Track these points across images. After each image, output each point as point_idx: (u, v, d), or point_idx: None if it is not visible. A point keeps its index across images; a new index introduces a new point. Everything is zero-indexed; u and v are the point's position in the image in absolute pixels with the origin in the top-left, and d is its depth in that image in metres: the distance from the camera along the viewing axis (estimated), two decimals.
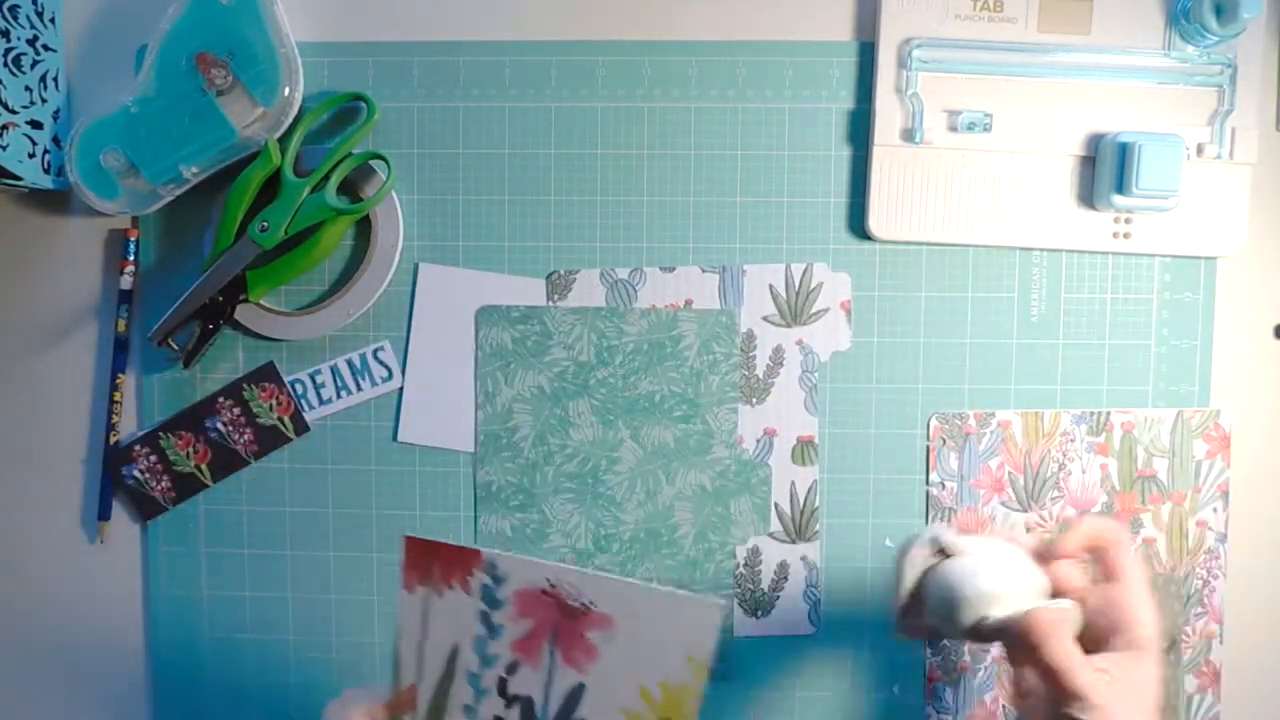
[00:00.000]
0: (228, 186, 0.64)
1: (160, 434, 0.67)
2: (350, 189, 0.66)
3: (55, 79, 0.65)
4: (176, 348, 0.65)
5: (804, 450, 0.66)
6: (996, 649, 0.66)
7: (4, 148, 0.61)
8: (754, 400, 0.66)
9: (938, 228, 0.65)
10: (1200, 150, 0.64)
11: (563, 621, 0.50)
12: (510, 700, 0.51)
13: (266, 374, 0.67)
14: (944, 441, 0.66)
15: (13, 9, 0.62)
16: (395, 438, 0.67)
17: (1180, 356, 0.66)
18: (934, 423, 0.66)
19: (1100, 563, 0.53)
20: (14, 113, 0.62)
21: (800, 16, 0.65)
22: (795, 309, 0.66)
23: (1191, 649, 0.66)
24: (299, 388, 0.67)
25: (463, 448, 0.67)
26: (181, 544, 0.68)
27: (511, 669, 0.50)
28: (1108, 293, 0.66)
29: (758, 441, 0.66)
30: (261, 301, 0.66)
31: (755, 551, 0.67)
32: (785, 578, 0.66)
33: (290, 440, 0.67)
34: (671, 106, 0.65)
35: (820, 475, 0.66)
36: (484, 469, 0.67)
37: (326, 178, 0.64)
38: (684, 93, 0.65)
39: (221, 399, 0.67)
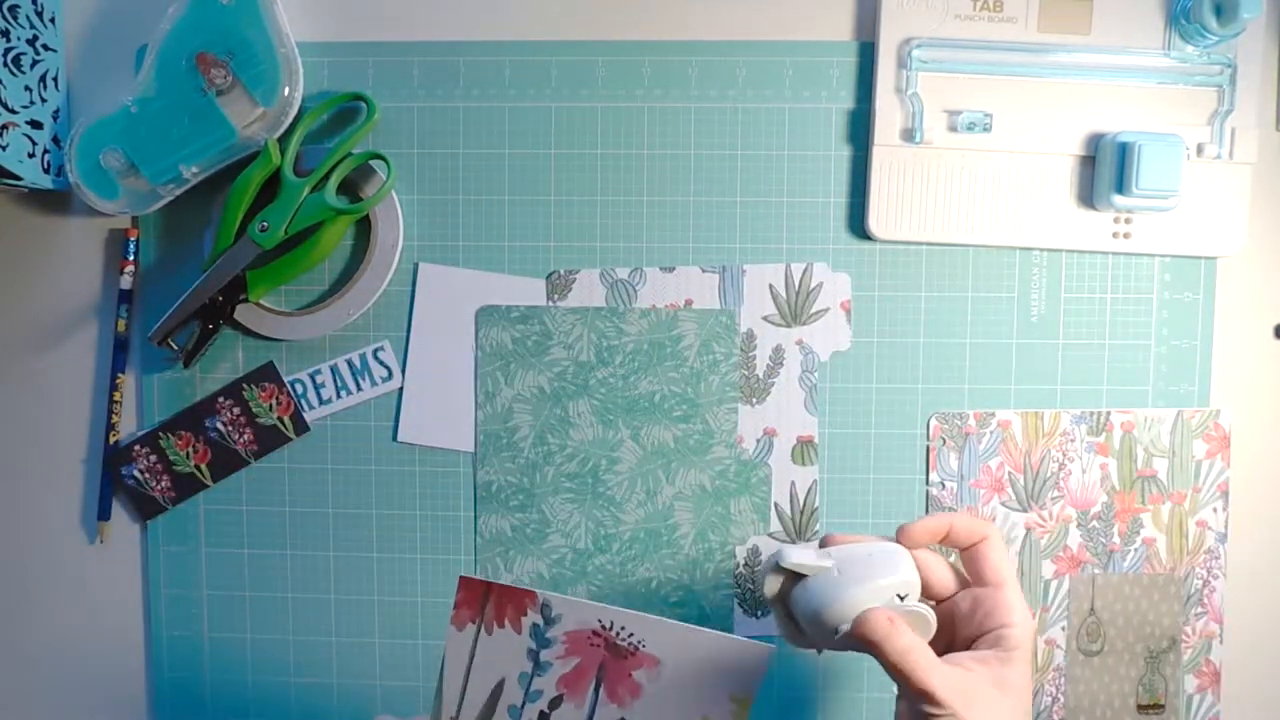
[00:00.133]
0: (228, 186, 0.64)
1: (160, 434, 0.67)
2: (350, 189, 0.66)
3: (55, 79, 0.65)
4: (176, 348, 0.65)
5: (804, 450, 0.66)
6: None
7: (4, 148, 0.61)
8: (754, 400, 0.66)
9: (938, 228, 0.65)
10: (1200, 150, 0.64)
11: (610, 660, 0.51)
12: None
13: (266, 374, 0.67)
14: (944, 441, 0.66)
15: (13, 9, 0.62)
16: (395, 438, 0.67)
17: (1180, 356, 0.66)
18: (934, 423, 0.66)
19: (969, 562, 0.52)
20: (14, 113, 0.62)
21: (800, 16, 0.65)
22: (795, 309, 0.66)
23: (1191, 649, 0.66)
24: (299, 388, 0.67)
25: (463, 448, 0.67)
26: (181, 544, 0.68)
27: (554, 704, 0.51)
28: (1108, 293, 0.66)
29: (758, 441, 0.66)
30: (261, 301, 0.66)
31: (755, 551, 0.67)
32: None
33: (290, 440, 0.67)
34: (671, 106, 0.65)
35: (820, 475, 0.66)
36: (484, 469, 0.67)
37: (326, 178, 0.64)
38: (684, 93, 0.65)
39: (221, 399, 0.67)
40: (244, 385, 0.67)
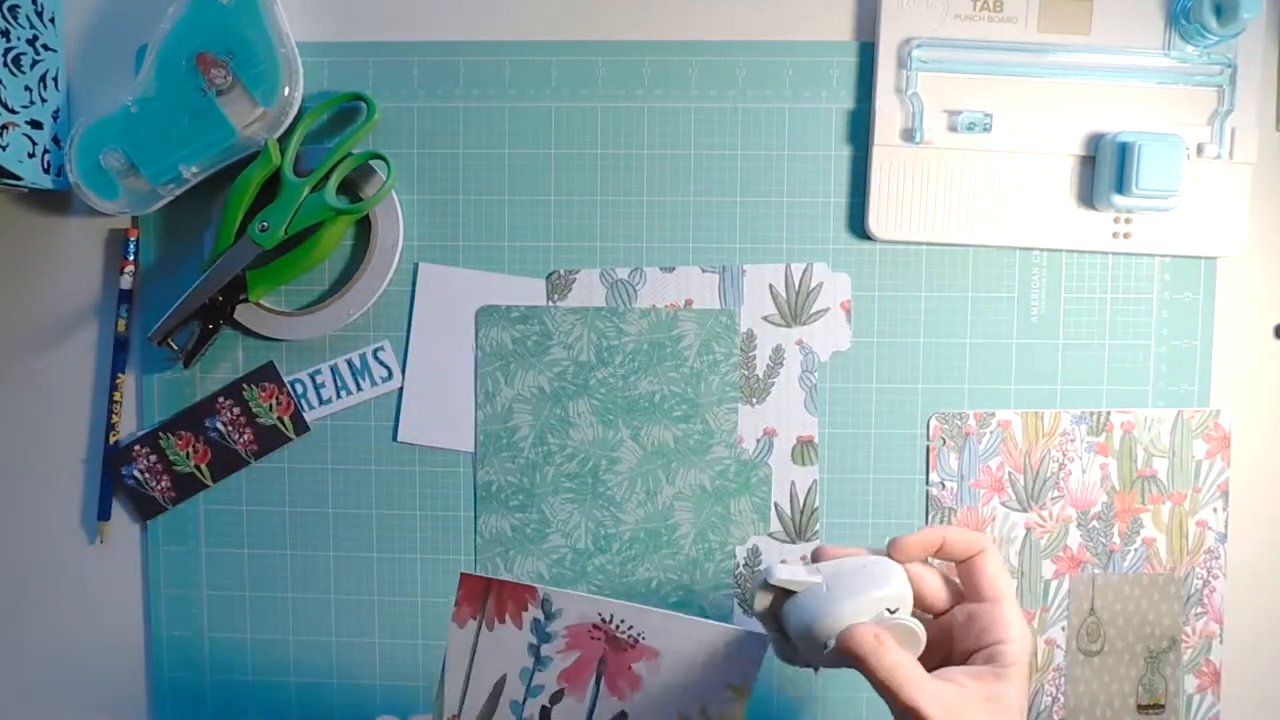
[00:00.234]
0: (228, 186, 0.64)
1: (160, 434, 0.67)
2: (350, 189, 0.66)
3: (55, 79, 0.65)
4: (176, 348, 0.65)
5: (804, 450, 0.66)
6: None
7: (4, 148, 0.61)
8: (754, 400, 0.66)
9: (938, 228, 0.65)
10: (1200, 150, 0.64)
11: (611, 654, 0.51)
12: None
13: (266, 374, 0.67)
14: (944, 441, 0.66)
15: (13, 9, 0.62)
16: (395, 438, 0.67)
17: (1180, 356, 0.66)
18: (934, 423, 0.66)
19: (965, 576, 0.51)
20: (14, 113, 0.62)
21: (800, 16, 0.65)
22: (795, 309, 0.66)
23: (1191, 649, 0.66)
24: (299, 388, 0.67)
25: (463, 448, 0.67)
26: (181, 544, 0.68)
27: (555, 698, 0.51)
28: (1108, 293, 0.66)
29: (758, 441, 0.66)
30: (261, 301, 0.66)
31: (755, 551, 0.67)
32: None
33: (290, 440, 0.67)
34: (671, 106, 0.65)
35: (820, 475, 0.66)
36: (484, 469, 0.67)
37: (326, 178, 0.64)
38: (684, 93, 0.65)
39: (221, 399, 0.67)
40: (244, 385, 0.67)
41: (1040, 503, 0.66)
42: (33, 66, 0.63)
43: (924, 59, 0.63)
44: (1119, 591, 0.66)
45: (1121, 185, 0.62)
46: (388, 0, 0.66)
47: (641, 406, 0.66)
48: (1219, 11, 0.61)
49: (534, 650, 0.51)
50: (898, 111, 0.64)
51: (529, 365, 0.66)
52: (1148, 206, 0.62)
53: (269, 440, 0.67)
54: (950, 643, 0.51)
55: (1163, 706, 0.67)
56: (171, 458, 0.67)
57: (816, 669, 0.51)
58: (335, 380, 0.67)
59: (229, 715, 0.68)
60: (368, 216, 0.65)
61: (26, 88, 0.63)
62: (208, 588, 0.68)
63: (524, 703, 0.51)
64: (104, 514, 0.68)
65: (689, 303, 0.66)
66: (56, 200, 0.67)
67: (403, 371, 0.67)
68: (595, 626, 0.51)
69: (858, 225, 0.65)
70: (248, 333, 0.67)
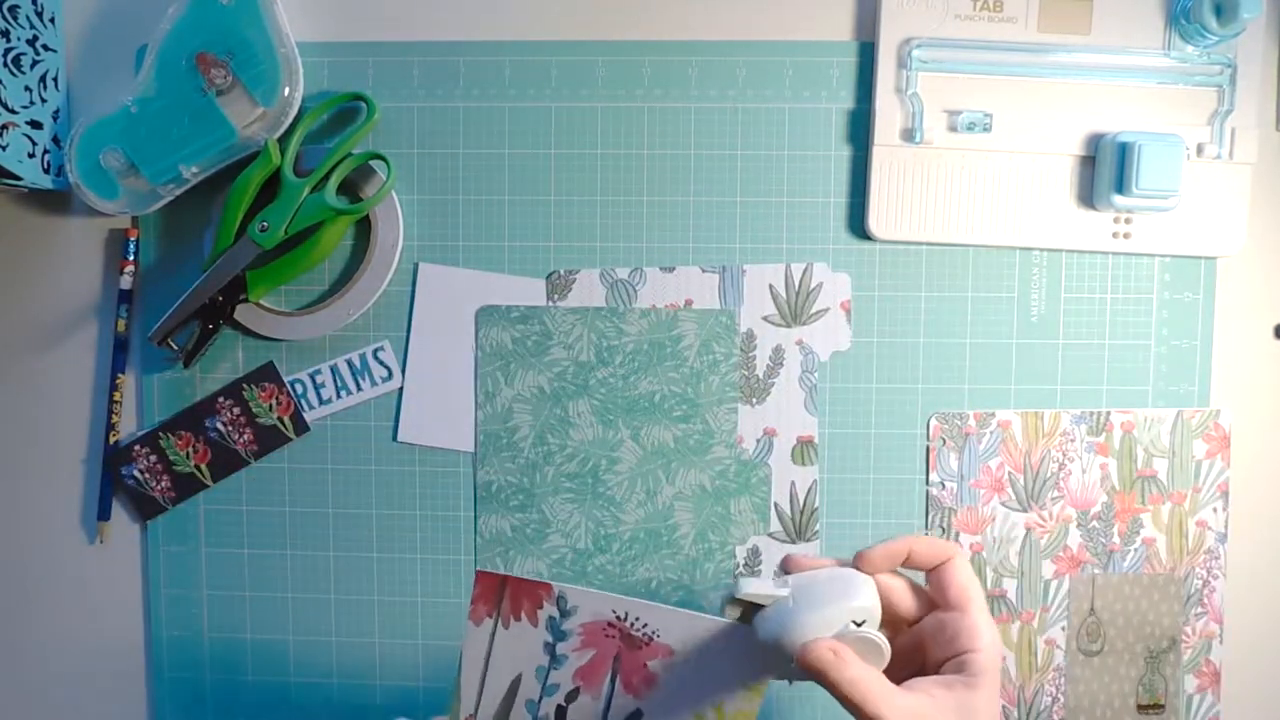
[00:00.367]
0: (228, 186, 0.64)
1: (160, 434, 0.67)
2: (350, 189, 0.66)
3: (55, 79, 0.65)
4: (176, 348, 0.65)
5: (804, 450, 0.66)
6: None
7: (4, 148, 0.61)
8: (754, 400, 0.66)
9: (938, 228, 0.65)
10: (1200, 150, 0.64)
11: (625, 652, 0.51)
12: None
13: (266, 374, 0.67)
14: (944, 441, 0.66)
15: (13, 9, 0.62)
16: (395, 438, 0.67)
17: (1180, 356, 0.66)
18: (934, 423, 0.66)
19: (934, 585, 0.51)
20: (14, 113, 0.62)
21: (800, 16, 0.65)
22: (795, 309, 0.66)
23: (1191, 649, 0.66)
24: (299, 388, 0.67)
25: (463, 448, 0.67)
26: (181, 544, 0.68)
27: (571, 697, 0.51)
28: (1108, 293, 0.66)
29: (758, 441, 0.66)
30: (261, 301, 0.66)
31: (755, 551, 0.67)
32: None
33: (290, 440, 0.67)
34: (671, 106, 0.65)
35: (820, 475, 0.66)
36: (484, 469, 0.67)
37: (326, 178, 0.64)
38: (684, 93, 0.65)
39: (221, 399, 0.67)
40: (244, 385, 0.67)
41: (1040, 503, 0.66)
42: (33, 66, 0.63)
43: (924, 59, 0.63)
44: (1119, 591, 0.66)
45: (1121, 185, 0.62)
46: (388, 0, 0.66)
47: (641, 406, 0.66)
48: (1219, 11, 0.61)
49: (549, 648, 0.51)
50: (898, 111, 0.64)
51: (529, 365, 0.66)
52: (1148, 206, 0.62)
53: (269, 440, 0.67)
54: (923, 652, 0.51)
55: (1163, 706, 0.67)
56: (171, 458, 0.67)
57: (791, 681, 0.51)
58: (335, 380, 0.67)
59: (229, 715, 0.68)
60: (368, 216, 0.65)
61: (26, 88, 0.63)
62: (208, 588, 0.68)
63: (539, 701, 0.51)
64: (104, 514, 0.68)
65: (689, 303, 0.66)
66: (56, 200, 0.67)
67: (403, 371, 0.67)
68: (610, 624, 0.51)
69: (858, 225, 0.65)
70: (248, 333, 0.67)
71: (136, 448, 0.67)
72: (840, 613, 0.48)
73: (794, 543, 0.66)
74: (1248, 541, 0.67)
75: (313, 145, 0.65)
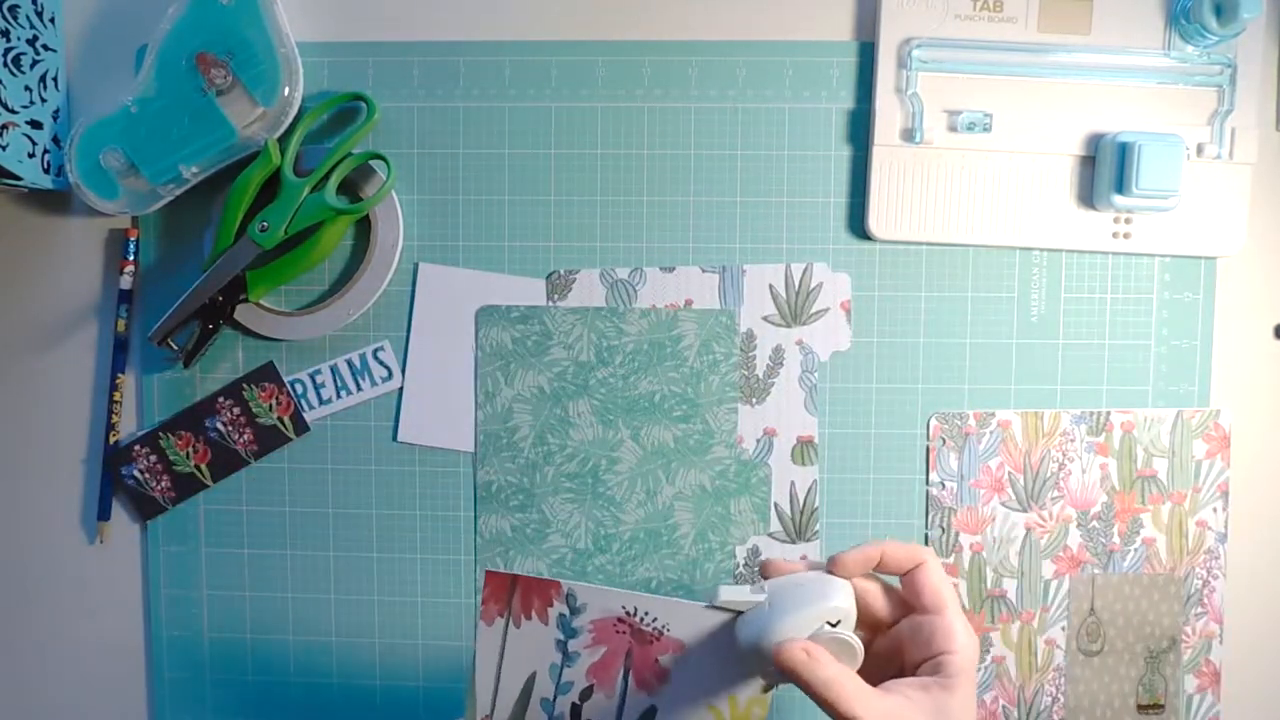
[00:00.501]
0: (228, 186, 0.64)
1: (160, 434, 0.67)
2: (350, 189, 0.66)
3: (55, 79, 0.65)
4: (176, 348, 0.65)
5: (804, 450, 0.66)
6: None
7: (4, 148, 0.61)
8: (754, 400, 0.66)
9: (938, 228, 0.65)
10: (1200, 150, 0.64)
11: (636, 647, 0.51)
12: None
13: (266, 374, 0.67)
14: (944, 441, 0.66)
15: (13, 9, 0.62)
16: (395, 438, 0.67)
17: (1180, 356, 0.66)
18: (934, 423, 0.66)
19: (909, 589, 0.51)
20: (14, 113, 0.62)
21: (800, 16, 0.65)
22: (795, 309, 0.66)
23: (1191, 649, 0.66)
24: (299, 388, 0.67)
25: (463, 448, 0.67)
26: (181, 544, 0.68)
27: (585, 695, 0.51)
28: (1108, 293, 0.66)
29: (757, 441, 0.66)
30: (261, 301, 0.66)
31: (755, 551, 0.67)
32: None
33: (290, 440, 0.67)
34: (671, 106, 0.65)
35: (820, 475, 0.66)
36: (484, 469, 0.67)
37: (326, 178, 0.64)
38: (684, 93, 0.65)
39: (221, 399, 0.67)
40: (244, 385, 0.67)
41: (1040, 503, 0.66)
42: (33, 66, 0.63)
43: (924, 59, 0.63)
44: (1119, 591, 0.66)
45: (1121, 185, 0.62)
46: (388, 0, 0.66)
47: (641, 406, 0.66)
48: (1219, 11, 0.61)
49: (561, 646, 0.51)
50: (898, 111, 0.64)
51: (529, 365, 0.66)
52: (1148, 206, 0.62)
53: (269, 440, 0.67)
54: (902, 655, 0.51)
55: (1163, 706, 0.67)
56: (171, 458, 0.67)
57: (773, 685, 0.51)
58: (335, 380, 0.67)
59: (229, 715, 0.68)
60: (368, 216, 0.65)
61: (26, 88, 0.63)
62: (208, 588, 0.68)
63: (554, 700, 0.51)
64: (104, 514, 0.68)
65: (689, 303, 0.66)
66: (56, 200, 0.67)
67: (403, 371, 0.67)
68: (620, 620, 0.51)
69: (858, 225, 0.65)
70: (248, 333, 0.67)
71: (136, 448, 0.67)
72: (815, 614, 0.49)
73: (794, 543, 0.66)
74: (1248, 541, 0.67)
75: (313, 145, 0.65)
